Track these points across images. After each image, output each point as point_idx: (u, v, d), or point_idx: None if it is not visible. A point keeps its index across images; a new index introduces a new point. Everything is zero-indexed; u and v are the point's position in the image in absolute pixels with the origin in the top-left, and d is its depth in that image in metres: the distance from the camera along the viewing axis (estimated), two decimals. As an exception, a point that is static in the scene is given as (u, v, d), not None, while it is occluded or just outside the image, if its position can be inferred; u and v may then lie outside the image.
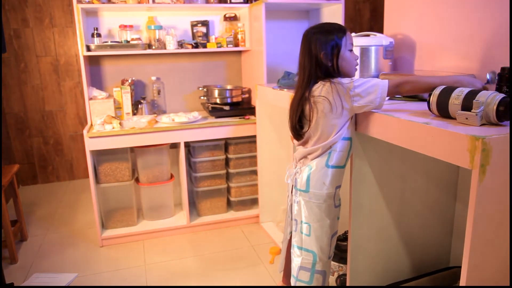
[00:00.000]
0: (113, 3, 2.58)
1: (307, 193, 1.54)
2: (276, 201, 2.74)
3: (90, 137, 2.44)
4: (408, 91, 1.41)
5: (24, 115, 3.70)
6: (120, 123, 2.53)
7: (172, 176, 2.84)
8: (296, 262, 1.62)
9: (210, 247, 2.60)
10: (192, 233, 2.79)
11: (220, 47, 2.81)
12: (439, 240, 1.86)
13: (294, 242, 1.63)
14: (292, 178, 1.62)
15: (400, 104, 1.56)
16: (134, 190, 2.75)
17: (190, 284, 2.20)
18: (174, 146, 2.86)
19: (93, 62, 2.80)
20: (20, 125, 3.71)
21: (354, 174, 1.58)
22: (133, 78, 2.83)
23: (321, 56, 1.47)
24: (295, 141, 1.64)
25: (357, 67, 1.61)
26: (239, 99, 2.86)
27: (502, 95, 1.11)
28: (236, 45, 2.88)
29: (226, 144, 2.85)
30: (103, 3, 2.57)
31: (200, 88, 2.88)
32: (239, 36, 2.86)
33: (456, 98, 1.18)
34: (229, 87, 2.98)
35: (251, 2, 2.76)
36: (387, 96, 1.38)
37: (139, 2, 2.60)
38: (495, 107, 1.09)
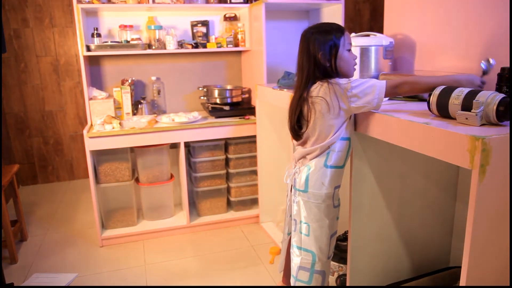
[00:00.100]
0: (113, 3, 2.58)
1: (306, 193, 1.54)
2: (276, 201, 2.74)
3: (90, 137, 2.44)
4: (407, 92, 1.41)
5: (24, 115, 3.70)
6: (120, 123, 2.53)
7: (172, 176, 2.84)
8: (295, 262, 1.62)
9: (210, 247, 2.60)
10: (192, 233, 2.79)
11: (220, 47, 2.81)
12: (439, 240, 1.86)
13: (293, 242, 1.63)
14: (291, 178, 1.63)
15: (400, 104, 1.56)
16: (134, 190, 2.75)
17: (190, 284, 2.20)
18: (174, 146, 2.86)
19: (93, 62, 2.80)
20: (20, 125, 3.71)
21: (354, 174, 1.58)
22: (133, 78, 2.83)
23: (319, 56, 1.47)
24: (295, 141, 1.64)
25: (356, 66, 1.61)
26: (239, 99, 2.86)
27: (502, 95, 1.11)
28: (236, 45, 2.88)
29: (226, 144, 2.85)
30: (103, 3, 2.57)
31: (200, 88, 2.88)
32: (239, 36, 2.86)
33: (456, 98, 1.18)
34: (229, 87, 2.98)
35: (251, 2, 2.76)
36: (385, 97, 1.38)
37: (139, 2, 2.60)
38: (495, 107, 1.09)
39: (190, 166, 2.90)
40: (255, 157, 2.83)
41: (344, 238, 2.02)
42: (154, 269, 2.36)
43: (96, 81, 2.83)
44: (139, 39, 2.70)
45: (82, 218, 3.06)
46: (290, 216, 1.67)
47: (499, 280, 1.14)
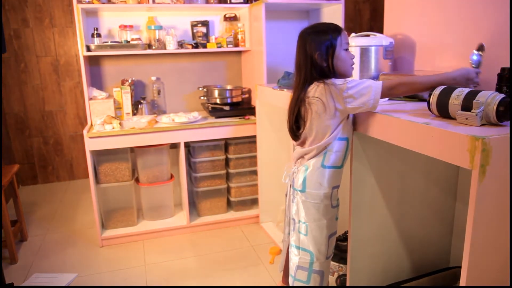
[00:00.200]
0: (113, 3, 2.58)
1: (304, 193, 1.54)
2: (276, 201, 2.74)
3: (90, 137, 2.44)
4: (403, 93, 1.41)
5: (24, 115, 3.70)
6: (120, 123, 2.53)
7: (172, 176, 2.84)
8: (294, 261, 1.62)
9: (210, 247, 2.60)
10: (192, 233, 2.79)
11: (220, 47, 2.81)
12: (439, 240, 1.86)
13: (292, 241, 1.63)
14: (290, 178, 1.63)
15: (400, 104, 1.56)
16: (134, 190, 2.75)
17: (190, 284, 2.20)
18: (174, 146, 2.86)
19: (93, 62, 2.80)
20: (20, 125, 3.71)
21: (354, 174, 1.58)
22: (133, 78, 2.83)
23: (316, 57, 1.47)
24: (294, 141, 1.65)
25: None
26: (239, 99, 2.86)
27: (502, 95, 1.11)
28: (236, 45, 2.88)
29: (226, 144, 2.85)
30: (103, 3, 2.57)
31: (200, 88, 2.88)
32: (239, 36, 2.86)
33: (456, 98, 1.19)
34: (229, 87, 2.98)
35: (251, 2, 2.76)
36: (381, 98, 1.38)
37: (139, 2, 2.60)
38: (495, 107, 1.09)
39: (190, 166, 2.90)
40: (255, 157, 2.83)
41: (344, 238, 2.02)
42: (154, 269, 2.36)
43: (96, 81, 2.83)
44: (139, 39, 2.70)
45: (82, 218, 3.06)
46: (290, 215, 1.67)
47: (499, 280, 1.14)
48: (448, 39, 1.76)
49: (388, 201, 1.69)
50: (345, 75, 1.51)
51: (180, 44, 2.76)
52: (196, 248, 2.59)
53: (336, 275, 1.98)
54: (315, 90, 1.46)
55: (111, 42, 2.70)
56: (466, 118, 1.14)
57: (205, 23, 2.88)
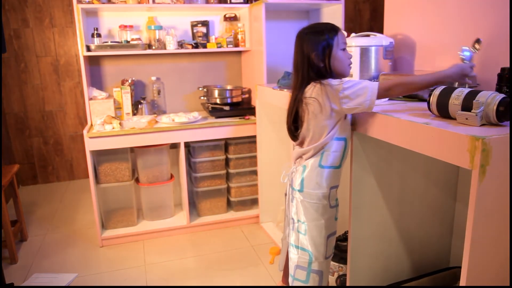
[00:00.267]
0: (113, 3, 2.58)
1: (302, 193, 1.55)
2: (276, 201, 2.74)
3: (90, 137, 2.44)
4: (400, 93, 1.41)
5: (24, 115, 3.70)
6: (120, 123, 2.53)
7: (172, 176, 2.84)
8: (293, 260, 1.62)
9: (210, 247, 2.60)
10: (192, 233, 2.79)
11: (220, 47, 2.81)
12: (439, 240, 1.86)
13: (291, 240, 1.64)
14: (289, 177, 1.63)
15: (400, 104, 1.56)
16: (134, 190, 2.75)
17: (190, 284, 2.20)
18: (174, 146, 2.86)
19: (93, 62, 2.80)
20: (20, 125, 3.71)
21: (354, 174, 1.58)
22: (133, 78, 2.83)
23: (312, 57, 1.47)
24: (293, 141, 1.65)
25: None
26: (239, 99, 2.86)
27: (502, 96, 1.11)
28: (236, 45, 2.88)
29: (226, 144, 2.85)
30: (103, 3, 2.57)
31: (200, 88, 2.88)
32: (239, 36, 2.86)
33: (456, 98, 1.19)
34: (229, 87, 2.98)
35: (251, 2, 2.76)
36: (377, 99, 1.38)
37: (139, 2, 2.60)
38: (495, 108, 1.10)
39: (190, 166, 2.90)
40: (255, 157, 2.83)
41: (344, 238, 2.02)
42: (154, 269, 2.36)
43: (96, 81, 2.83)
44: (139, 39, 2.70)
45: (82, 218, 3.06)
46: (289, 215, 1.68)
47: (499, 280, 1.14)
48: (448, 39, 1.76)
49: (388, 201, 1.69)
50: (342, 74, 1.52)
51: (180, 44, 2.76)
52: (196, 248, 2.59)
53: (336, 275, 1.98)
54: (312, 90, 1.47)
55: (111, 42, 2.70)
56: (466, 118, 1.14)
57: (205, 23, 2.88)
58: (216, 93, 2.82)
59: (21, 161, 3.76)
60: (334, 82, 1.43)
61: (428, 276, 1.75)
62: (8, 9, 3.50)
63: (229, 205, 2.98)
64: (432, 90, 1.27)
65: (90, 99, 2.62)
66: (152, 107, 2.90)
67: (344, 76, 1.52)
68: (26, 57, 3.61)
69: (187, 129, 2.60)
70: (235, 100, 2.83)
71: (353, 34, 1.96)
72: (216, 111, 2.79)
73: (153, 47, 2.71)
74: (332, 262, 1.95)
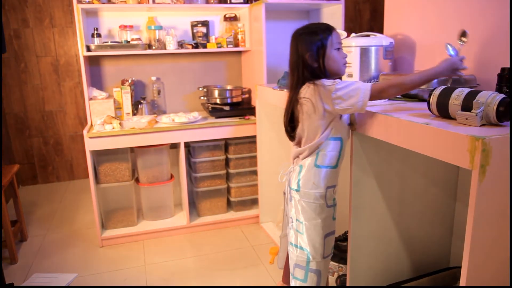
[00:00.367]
0: (113, 3, 2.58)
1: (299, 192, 1.56)
2: (276, 201, 2.74)
3: (90, 137, 2.44)
4: (394, 94, 1.41)
5: (24, 115, 3.70)
6: (120, 123, 2.53)
7: (172, 176, 2.84)
8: (292, 259, 1.63)
9: (210, 247, 2.60)
10: (192, 233, 2.79)
11: (220, 47, 2.81)
12: (439, 240, 1.86)
13: (290, 239, 1.64)
14: (287, 177, 1.64)
15: (400, 104, 1.56)
16: (134, 190, 2.75)
17: (190, 284, 2.20)
18: (174, 146, 2.86)
19: (93, 62, 2.80)
20: (20, 125, 3.71)
21: (354, 174, 1.58)
22: (133, 78, 2.83)
23: (307, 57, 1.48)
24: (291, 141, 1.67)
25: (347, 65, 1.61)
26: (239, 99, 2.86)
27: (502, 96, 1.11)
28: (236, 45, 2.88)
29: (226, 144, 2.85)
30: (103, 3, 2.57)
31: (200, 88, 2.88)
32: (239, 37, 2.86)
33: (456, 98, 1.19)
34: (229, 87, 2.98)
35: (251, 2, 2.76)
36: (370, 100, 1.38)
37: (139, 2, 2.60)
38: (495, 108, 1.10)
39: (190, 166, 2.90)
40: (255, 157, 2.83)
41: (344, 238, 2.02)
42: (154, 269, 2.36)
43: (96, 81, 2.83)
44: (139, 39, 2.70)
45: (82, 218, 3.06)
46: (288, 214, 1.69)
47: (499, 280, 1.14)
48: (448, 39, 1.76)
49: (388, 201, 1.69)
50: (337, 74, 1.52)
51: (180, 44, 2.76)
52: (196, 248, 2.59)
53: (336, 275, 1.98)
54: (306, 90, 1.48)
55: (111, 42, 2.70)
56: (466, 118, 1.14)
57: (205, 23, 2.88)
58: (216, 93, 2.82)
59: (21, 161, 3.76)
60: (327, 82, 1.44)
61: (428, 276, 1.75)
62: (8, 9, 3.50)
63: (229, 205, 2.98)
64: (432, 90, 1.27)
65: (90, 99, 2.62)
66: (152, 107, 2.90)
67: (340, 76, 1.53)
68: (26, 57, 3.61)
69: (187, 129, 2.60)
70: (235, 100, 2.83)
71: (353, 34, 1.96)
72: (216, 111, 2.79)
73: (153, 47, 2.71)
74: (332, 262, 1.95)
